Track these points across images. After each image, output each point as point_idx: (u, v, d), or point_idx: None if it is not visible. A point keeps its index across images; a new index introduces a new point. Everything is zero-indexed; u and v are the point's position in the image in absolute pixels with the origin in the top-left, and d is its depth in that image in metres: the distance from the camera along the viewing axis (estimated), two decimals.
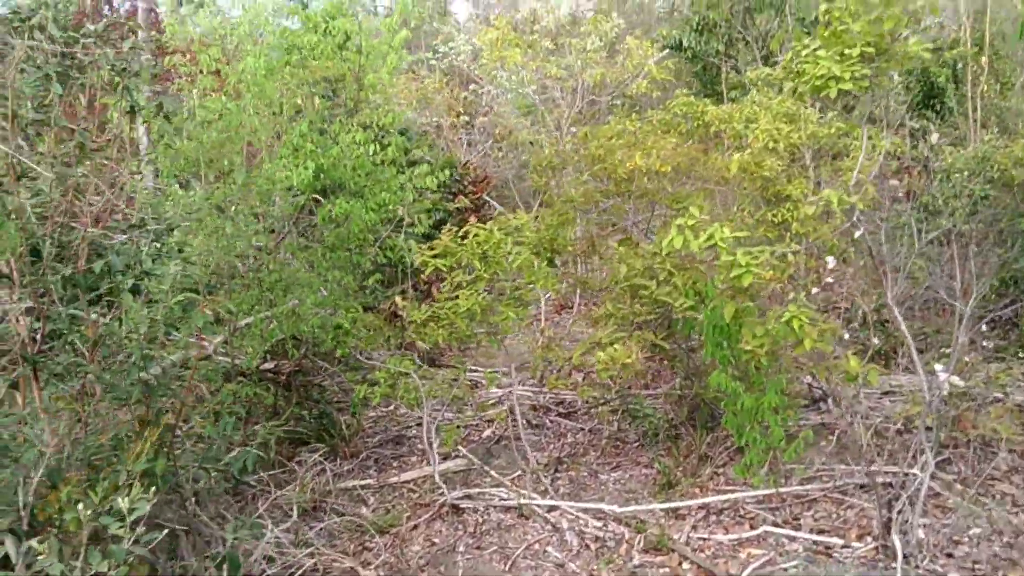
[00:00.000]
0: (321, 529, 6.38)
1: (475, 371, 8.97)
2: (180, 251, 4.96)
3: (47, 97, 4.15)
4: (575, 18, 15.31)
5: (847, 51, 4.99)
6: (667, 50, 14.43)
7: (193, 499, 5.70)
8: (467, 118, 13.66)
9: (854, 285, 7.15)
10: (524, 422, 8.23)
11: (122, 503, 3.21)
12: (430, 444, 6.68)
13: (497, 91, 13.43)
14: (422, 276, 6.50)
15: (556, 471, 7.14)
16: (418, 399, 6.43)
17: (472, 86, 13.84)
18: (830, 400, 7.32)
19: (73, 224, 4.56)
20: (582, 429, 7.96)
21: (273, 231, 6.75)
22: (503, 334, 6.41)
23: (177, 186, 5.91)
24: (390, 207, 6.87)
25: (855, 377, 5.30)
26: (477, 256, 6.02)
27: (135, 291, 4.55)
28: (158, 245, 4.88)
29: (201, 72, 6.02)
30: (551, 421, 8.18)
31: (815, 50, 5.14)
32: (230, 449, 5.62)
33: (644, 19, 20.35)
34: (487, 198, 11.79)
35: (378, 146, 6.32)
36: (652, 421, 7.26)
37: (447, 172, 7.15)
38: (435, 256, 6.13)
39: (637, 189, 6.17)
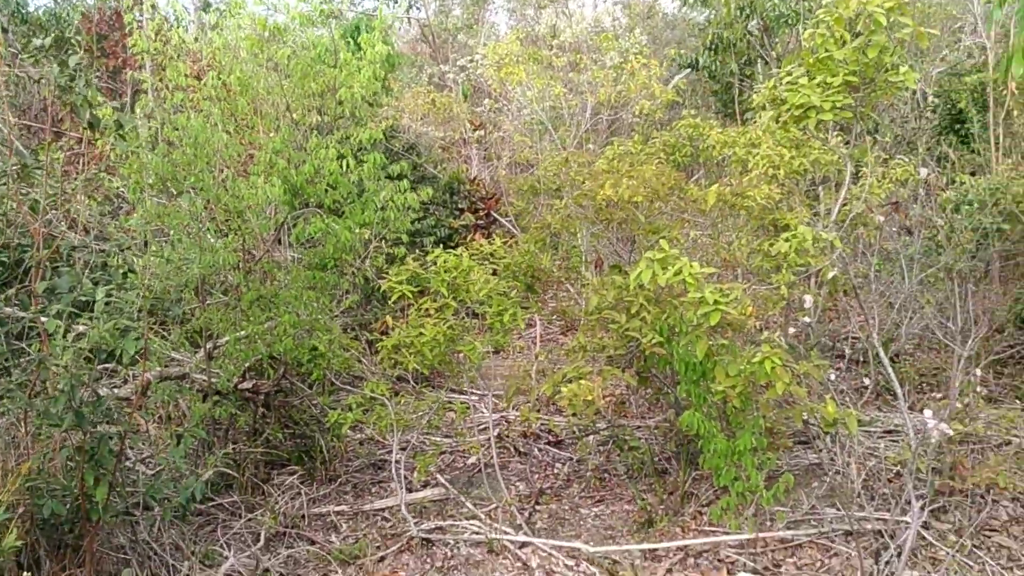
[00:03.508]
0: (287, 557, 6.22)
1: (474, 393, 8.79)
2: (125, 274, 4.82)
3: None
4: (600, 31, 15.08)
5: (830, 79, 4.73)
6: (689, 69, 14.17)
7: (151, 525, 5.59)
8: (480, 133, 13.51)
9: (861, 321, 6.83)
10: (512, 449, 8.02)
11: None
12: (398, 473, 6.48)
13: (513, 107, 13.26)
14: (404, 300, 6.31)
15: (537, 503, 6.90)
16: (388, 425, 6.23)
17: (487, 101, 13.69)
18: (828, 438, 7.01)
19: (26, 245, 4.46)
20: (570, 459, 7.71)
21: (249, 251, 6.62)
22: (472, 364, 6.20)
23: (148, 201, 5.80)
24: (372, 226, 6.70)
25: (832, 423, 5.01)
26: (443, 284, 5.83)
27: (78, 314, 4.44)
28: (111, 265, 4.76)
29: (167, 88, 5.91)
30: (539, 450, 7.94)
31: (797, 77, 4.88)
32: (182, 476, 5.49)
33: (676, 35, 19.89)
34: (497, 216, 11.59)
35: (351, 162, 6.15)
36: (638, 455, 7.01)
37: (429, 191, 6.94)
38: (401, 282, 5.95)
39: (614, 218, 5.94)
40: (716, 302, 4.63)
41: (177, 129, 5.75)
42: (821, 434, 7.07)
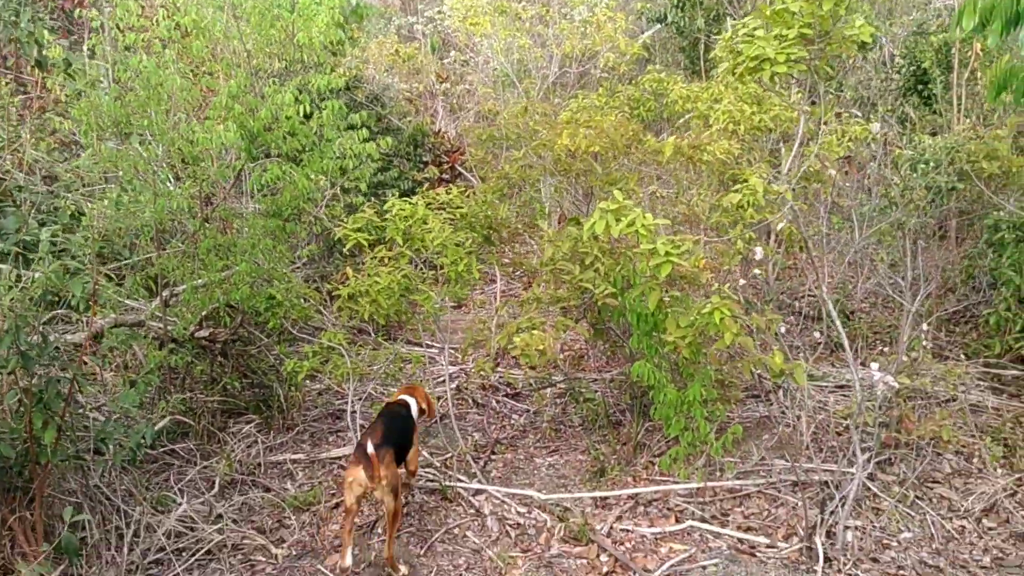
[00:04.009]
0: (242, 504, 6.25)
1: (434, 346, 8.80)
2: (73, 216, 4.76)
3: None
4: None
5: (785, 31, 4.73)
6: (658, 24, 14.08)
7: (103, 470, 5.58)
8: (447, 86, 13.38)
9: (819, 276, 6.90)
10: (471, 401, 8.07)
11: None
12: (353, 422, 6.51)
13: (480, 60, 13.13)
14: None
15: (492, 453, 6.97)
16: (344, 375, 6.25)
17: (454, 53, 13.54)
18: (779, 392, 7.13)
19: None
20: (527, 411, 7.78)
21: (207, 198, 6.55)
22: (429, 315, 6.21)
23: (101, 145, 5.70)
24: (329, 175, 6.65)
25: (780, 375, 5.10)
26: (399, 232, 5.81)
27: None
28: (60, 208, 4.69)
29: (118, 28, 5.78)
30: (497, 402, 8.00)
31: (754, 29, 4.88)
32: (135, 422, 5.48)
33: None
34: (462, 170, 11.52)
35: (308, 108, 6.08)
36: (592, 407, 7.08)
37: (388, 140, 6.89)
38: (358, 230, 5.93)
39: (573, 169, 5.93)
40: (667, 254, 4.66)
41: (128, 71, 5.65)
42: (773, 388, 7.19)
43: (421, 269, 6.57)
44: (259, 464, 6.75)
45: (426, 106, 13.27)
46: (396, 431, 5.52)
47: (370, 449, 5.00)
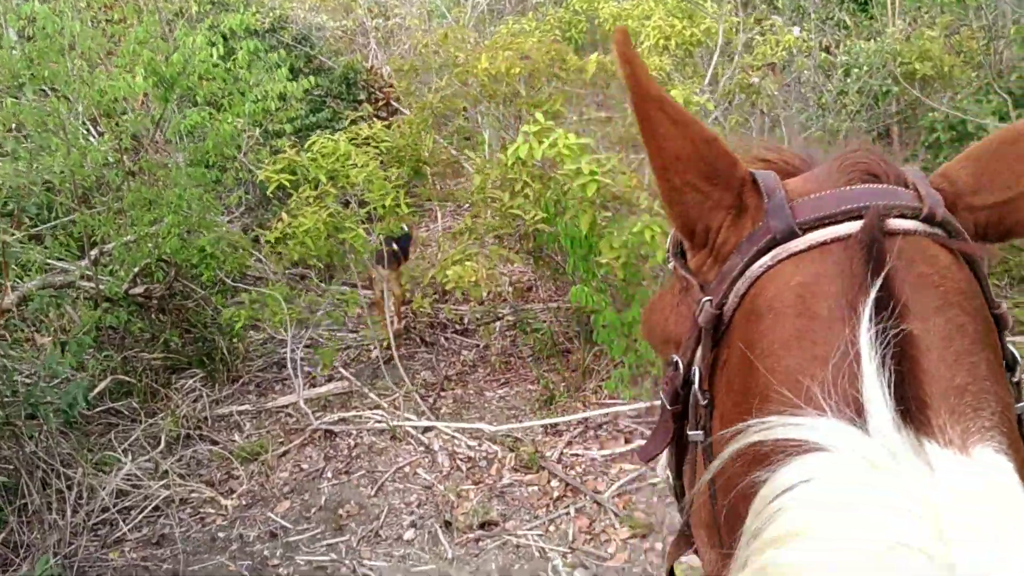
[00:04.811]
0: (190, 458, 6.17)
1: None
2: None
3: None
4: None
5: None
6: None
7: (38, 434, 5.45)
8: (379, 21, 13.02)
9: None
10: (419, 340, 7.99)
11: None
12: (294, 369, 6.42)
13: None
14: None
15: (442, 390, 6.93)
16: (282, 321, 6.13)
17: None
18: None
19: None
20: (476, 346, 7.72)
21: (127, 150, 6.32)
22: (360, 254, 6.08)
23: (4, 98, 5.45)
24: (253, 118, 6.44)
25: None
26: (322, 170, 5.65)
27: None
28: None
29: None
30: (446, 339, 7.92)
31: None
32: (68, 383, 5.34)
33: None
34: (398, 106, 11.25)
35: (219, 51, 5.84)
36: (540, 336, 7.04)
37: (312, 80, 6.67)
38: (280, 172, 5.75)
39: (497, 94, 5.79)
40: (592, 172, 4.57)
41: (21, 19, 5.37)
42: None
43: (354, 208, 6.43)
44: (205, 418, 6.65)
45: (359, 43, 12.92)
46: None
47: None
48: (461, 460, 5.87)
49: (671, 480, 1.20)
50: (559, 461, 5.74)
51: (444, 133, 7.07)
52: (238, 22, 6.03)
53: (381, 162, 6.02)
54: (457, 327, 8.14)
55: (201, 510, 5.58)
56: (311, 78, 6.68)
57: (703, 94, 4.93)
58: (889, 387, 0.75)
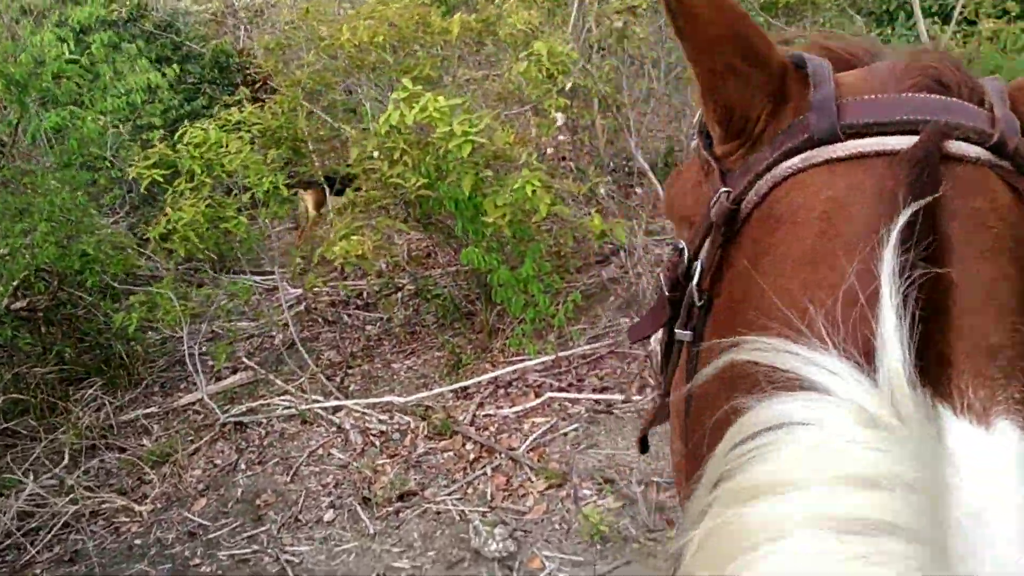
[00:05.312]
0: (98, 469, 6.02)
1: (272, 273, 8.55)
2: None
3: None
4: None
5: None
6: None
7: None
8: (247, 0, 12.68)
9: (626, 131, 6.93)
10: (322, 320, 7.92)
11: None
12: (194, 365, 6.30)
13: None
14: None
15: (348, 368, 6.89)
16: (176, 319, 5.99)
17: None
18: (621, 253, 7.23)
19: None
20: (380, 319, 7.69)
21: None
22: (248, 242, 5.98)
23: None
24: (120, 114, 6.23)
25: (601, 235, 5.14)
26: (195, 161, 5.51)
27: None
28: None
29: None
30: (349, 316, 7.87)
31: None
32: None
33: None
34: (277, 87, 10.98)
35: (69, 46, 5.61)
36: (442, 302, 7.05)
37: (176, 68, 6.47)
38: (152, 166, 5.59)
39: (365, 64, 5.71)
40: (465, 132, 4.56)
41: None
42: (614, 250, 7.31)
43: (237, 196, 6.29)
44: (110, 426, 6.49)
45: (229, 26, 12.56)
46: None
47: None
48: (374, 435, 5.87)
49: (659, 359, 1.14)
50: (472, 423, 5.78)
51: (324, 108, 6.93)
52: (87, 15, 5.79)
53: (257, 145, 5.89)
54: (358, 302, 8.08)
55: (115, 520, 5.45)
56: (178, 66, 6.47)
57: (568, 44, 4.95)
58: (908, 334, 0.64)
